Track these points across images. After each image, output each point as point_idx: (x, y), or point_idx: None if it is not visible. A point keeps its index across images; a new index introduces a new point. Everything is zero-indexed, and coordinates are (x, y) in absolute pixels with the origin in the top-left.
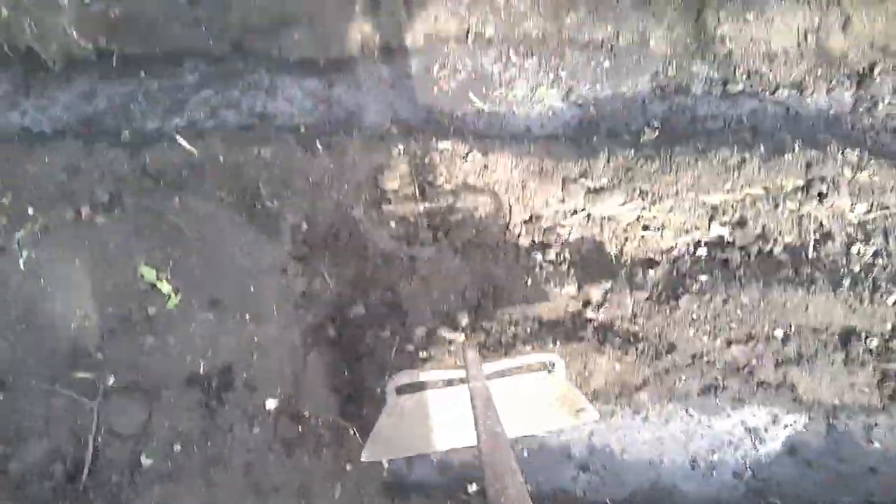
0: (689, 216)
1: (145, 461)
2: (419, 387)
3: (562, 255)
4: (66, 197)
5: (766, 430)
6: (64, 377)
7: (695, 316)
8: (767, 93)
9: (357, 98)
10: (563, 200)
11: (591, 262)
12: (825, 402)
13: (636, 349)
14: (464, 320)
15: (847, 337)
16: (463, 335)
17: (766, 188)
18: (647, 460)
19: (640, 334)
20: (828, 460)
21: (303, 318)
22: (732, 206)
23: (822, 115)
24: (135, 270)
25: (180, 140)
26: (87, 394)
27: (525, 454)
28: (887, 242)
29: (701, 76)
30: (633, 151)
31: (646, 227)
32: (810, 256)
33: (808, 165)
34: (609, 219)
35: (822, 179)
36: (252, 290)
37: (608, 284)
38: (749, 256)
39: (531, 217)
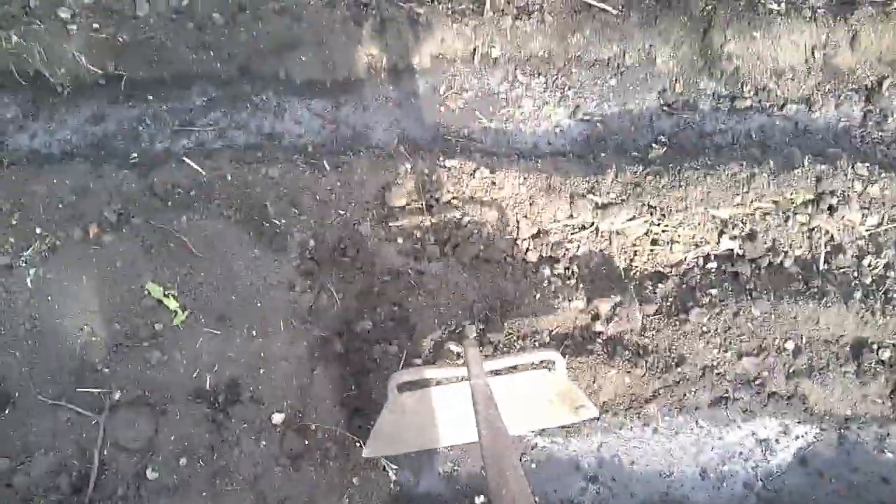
0: (698, 230)
1: (151, 474)
2: (420, 384)
3: (570, 270)
4: (75, 217)
5: (777, 441)
6: (70, 392)
7: (705, 329)
8: (776, 108)
9: (364, 118)
10: (571, 216)
11: (600, 276)
12: (837, 413)
13: (646, 362)
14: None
15: (859, 348)
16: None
17: (776, 202)
18: (656, 472)
19: (650, 347)
20: (839, 470)
21: (310, 332)
22: (742, 220)
23: (831, 130)
24: (142, 288)
25: (188, 161)
26: (93, 408)
27: (533, 466)
28: None
29: (708, 93)
30: (641, 167)
31: (655, 242)
32: (821, 269)
33: (818, 179)
34: (618, 233)
35: (833, 193)
36: (259, 305)
37: (617, 298)
38: (759, 269)
39: (539, 232)
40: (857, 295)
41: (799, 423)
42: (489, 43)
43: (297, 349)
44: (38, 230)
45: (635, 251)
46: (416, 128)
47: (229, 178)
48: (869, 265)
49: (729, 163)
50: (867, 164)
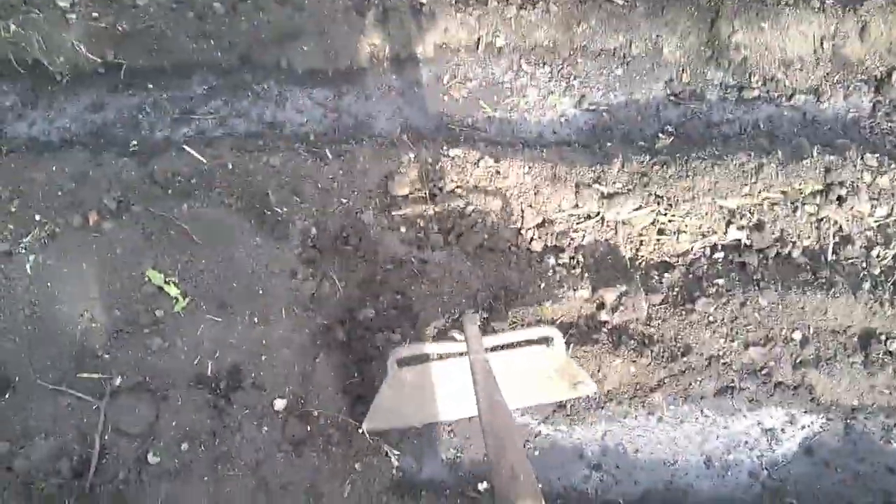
0: (705, 220)
1: (152, 459)
2: (420, 359)
3: (575, 259)
4: (74, 204)
5: (782, 430)
6: (71, 378)
7: (711, 318)
8: (784, 98)
9: (367, 107)
10: (576, 205)
11: (606, 265)
12: (843, 403)
13: (651, 351)
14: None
15: (867, 339)
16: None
17: (784, 192)
18: (661, 460)
19: (656, 337)
20: (846, 460)
21: (312, 320)
22: (750, 210)
23: (840, 120)
24: (142, 275)
25: (188, 149)
26: (93, 393)
27: (537, 453)
28: None
29: (716, 83)
30: (647, 157)
31: (661, 231)
32: (829, 259)
33: (827, 170)
34: (624, 223)
35: (842, 184)
36: (261, 293)
37: (623, 288)
38: (767, 259)
39: (544, 221)
40: (866, 286)
41: (805, 412)
42: (493, 32)
43: (299, 336)
44: (37, 217)
45: (641, 241)
46: (420, 117)
47: (230, 166)
48: (878, 256)
49: (737, 153)
50: (876, 155)
